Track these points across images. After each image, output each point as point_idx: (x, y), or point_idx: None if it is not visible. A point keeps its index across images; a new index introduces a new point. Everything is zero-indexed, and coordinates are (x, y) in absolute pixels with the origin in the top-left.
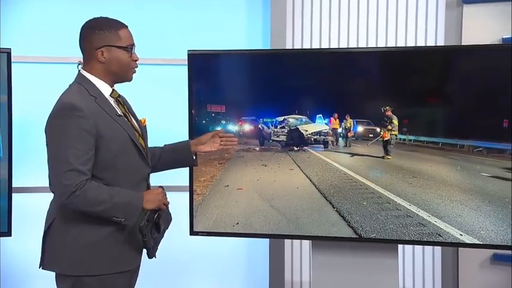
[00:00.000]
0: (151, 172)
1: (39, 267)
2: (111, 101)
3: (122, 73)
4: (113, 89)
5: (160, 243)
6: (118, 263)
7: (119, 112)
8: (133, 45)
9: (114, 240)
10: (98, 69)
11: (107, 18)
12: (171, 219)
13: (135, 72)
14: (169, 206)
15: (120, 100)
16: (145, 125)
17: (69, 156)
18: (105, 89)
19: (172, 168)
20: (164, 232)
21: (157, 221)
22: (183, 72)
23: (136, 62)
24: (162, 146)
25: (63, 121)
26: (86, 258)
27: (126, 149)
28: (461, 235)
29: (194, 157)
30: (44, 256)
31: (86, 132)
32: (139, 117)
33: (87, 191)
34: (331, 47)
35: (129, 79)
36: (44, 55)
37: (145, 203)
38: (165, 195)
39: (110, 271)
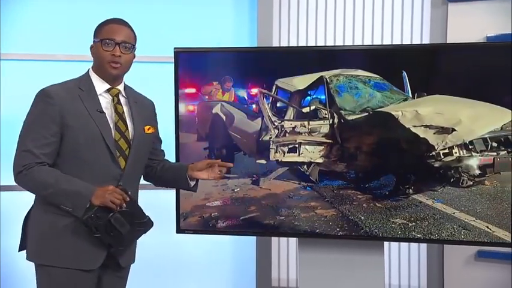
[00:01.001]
0: (157, 184)
1: (18, 251)
2: (106, 97)
3: (101, 67)
4: (112, 87)
5: (133, 244)
6: (72, 258)
7: (103, 109)
8: (110, 39)
9: (73, 233)
10: (94, 65)
11: (109, 18)
12: (148, 224)
13: (113, 67)
14: (144, 209)
15: (115, 98)
16: (149, 133)
17: (27, 138)
18: (99, 85)
19: (172, 187)
20: (134, 235)
21: (111, 220)
22: (170, 69)
23: (115, 57)
24: (174, 162)
25: (33, 106)
26: (43, 247)
27: (95, 145)
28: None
29: (194, 182)
30: (20, 241)
31: (48, 118)
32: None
33: (35, 173)
34: (318, 44)
35: (108, 74)
36: (32, 52)
37: (94, 197)
38: (122, 195)
39: (60, 264)
